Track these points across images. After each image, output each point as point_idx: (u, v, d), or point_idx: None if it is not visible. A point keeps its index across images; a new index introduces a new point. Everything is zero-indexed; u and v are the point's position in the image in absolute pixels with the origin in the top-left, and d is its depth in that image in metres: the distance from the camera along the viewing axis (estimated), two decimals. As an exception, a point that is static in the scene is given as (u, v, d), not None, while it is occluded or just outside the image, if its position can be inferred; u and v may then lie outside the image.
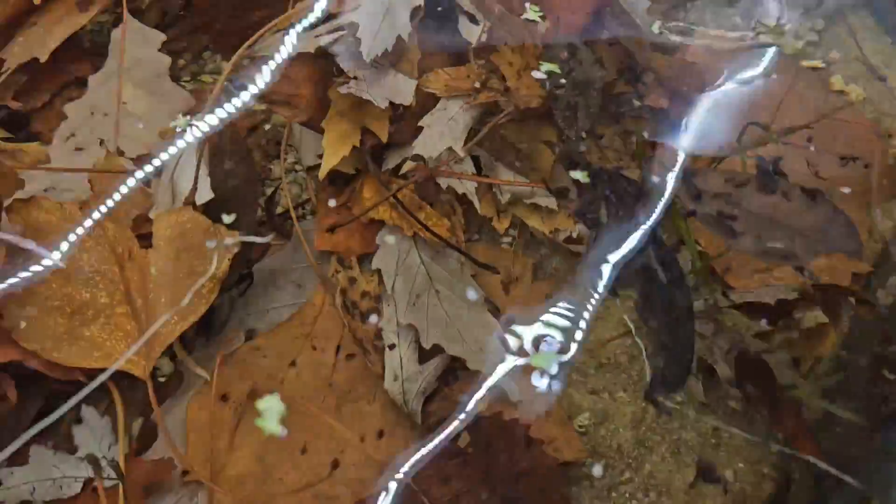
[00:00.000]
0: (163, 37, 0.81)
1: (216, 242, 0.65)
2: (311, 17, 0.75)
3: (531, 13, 0.74)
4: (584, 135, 0.73)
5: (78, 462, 0.60)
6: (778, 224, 0.55)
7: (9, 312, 0.60)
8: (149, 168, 0.70)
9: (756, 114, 0.74)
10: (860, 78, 0.82)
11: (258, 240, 0.68)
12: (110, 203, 0.67)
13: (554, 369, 0.62)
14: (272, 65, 0.72)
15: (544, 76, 0.74)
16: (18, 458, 0.60)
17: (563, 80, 0.73)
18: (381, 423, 0.62)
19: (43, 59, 0.78)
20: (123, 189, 0.69)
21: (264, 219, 0.74)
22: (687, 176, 0.60)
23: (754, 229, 0.56)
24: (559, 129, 0.74)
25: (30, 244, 0.61)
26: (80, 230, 0.64)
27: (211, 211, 0.67)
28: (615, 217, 0.64)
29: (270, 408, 0.62)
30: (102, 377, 0.60)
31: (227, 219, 0.68)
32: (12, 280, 0.61)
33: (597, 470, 0.61)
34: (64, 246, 0.63)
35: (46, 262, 0.62)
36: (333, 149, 0.68)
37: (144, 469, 0.59)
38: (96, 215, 0.65)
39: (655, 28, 0.83)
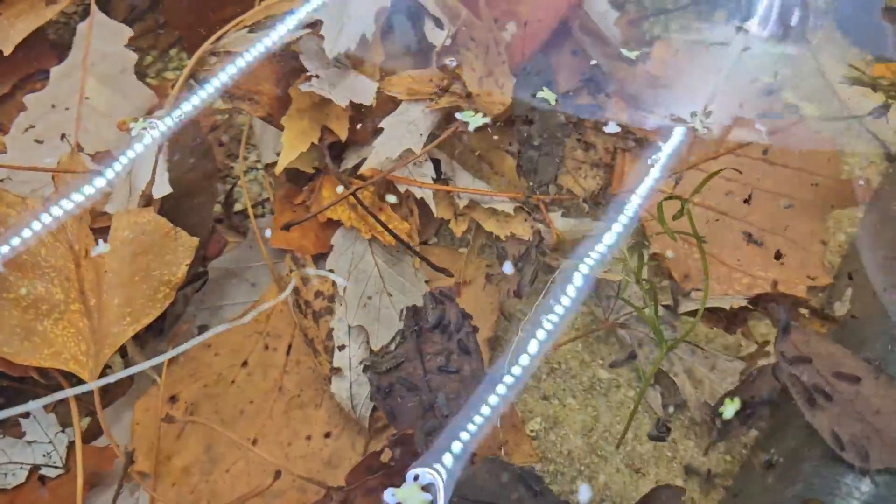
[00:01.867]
0: (130, 32, 0.81)
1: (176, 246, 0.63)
2: (277, 15, 0.75)
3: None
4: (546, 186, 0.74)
5: (25, 447, 0.60)
6: (861, 418, 0.49)
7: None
8: (111, 168, 0.69)
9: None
10: (816, 94, 0.83)
11: (334, 277, 0.67)
12: (71, 205, 0.65)
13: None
14: (236, 62, 0.72)
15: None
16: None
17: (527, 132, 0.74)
18: (329, 426, 0.63)
19: (7, 52, 0.78)
20: (86, 191, 0.66)
21: (222, 216, 0.74)
22: (787, 326, 0.54)
23: (836, 414, 0.49)
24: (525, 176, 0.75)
25: None
26: (37, 225, 0.63)
27: (170, 208, 0.66)
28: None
29: (411, 498, 0.53)
30: (65, 393, 0.59)
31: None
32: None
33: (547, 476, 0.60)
34: (16, 241, 0.62)
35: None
36: (291, 145, 0.68)
37: (87, 456, 0.58)
38: (55, 213, 0.64)
39: (621, 39, 0.84)
